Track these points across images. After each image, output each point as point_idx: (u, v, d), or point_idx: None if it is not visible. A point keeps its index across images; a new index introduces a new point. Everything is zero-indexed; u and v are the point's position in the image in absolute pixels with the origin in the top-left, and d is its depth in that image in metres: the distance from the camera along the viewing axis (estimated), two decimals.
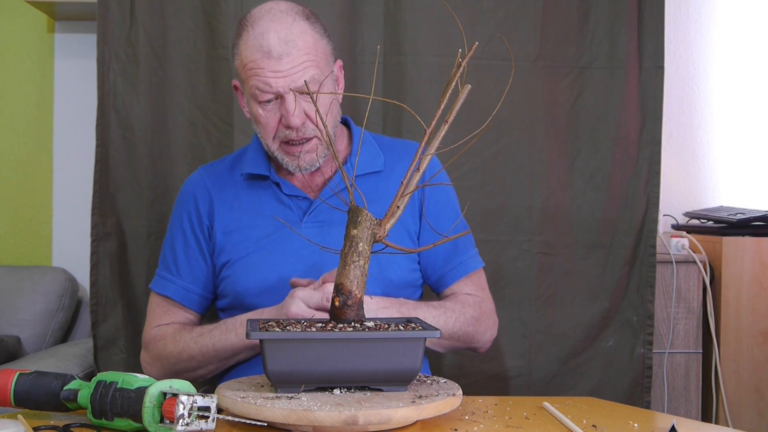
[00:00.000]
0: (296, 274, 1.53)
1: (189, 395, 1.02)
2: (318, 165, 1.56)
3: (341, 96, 1.63)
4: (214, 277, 1.64)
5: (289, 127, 1.50)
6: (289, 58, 1.47)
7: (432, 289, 1.69)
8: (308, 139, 1.52)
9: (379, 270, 1.53)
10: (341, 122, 1.70)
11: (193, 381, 1.56)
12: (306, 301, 1.39)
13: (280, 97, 1.49)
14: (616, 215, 2.42)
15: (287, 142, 1.53)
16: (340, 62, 1.62)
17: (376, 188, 1.56)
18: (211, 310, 1.73)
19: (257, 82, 1.49)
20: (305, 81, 1.38)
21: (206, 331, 1.54)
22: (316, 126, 1.51)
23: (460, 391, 1.18)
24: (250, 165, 1.62)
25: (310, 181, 1.61)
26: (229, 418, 1.08)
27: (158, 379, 1.59)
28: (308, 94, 1.43)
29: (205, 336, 1.53)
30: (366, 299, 1.37)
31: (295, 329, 1.16)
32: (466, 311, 1.58)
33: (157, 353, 1.60)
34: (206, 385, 1.75)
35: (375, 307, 1.42)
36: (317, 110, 1.26)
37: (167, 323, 1.63)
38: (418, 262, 1.63)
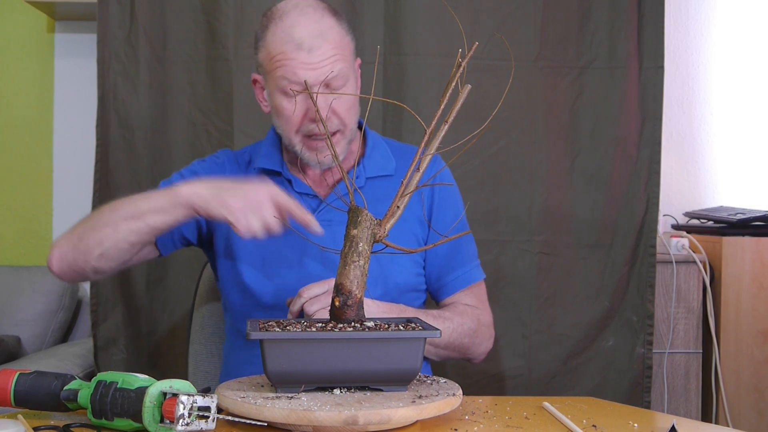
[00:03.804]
0: (305, 267, 1.53)
1: (189, 395, 1.02)
2: (339, 160, 1.55)
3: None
4: (190, 228, 1.60)
5: (314, 121, 1.50)
6: (320, 51, 1.48)
7: (432, 297, 1.69)
8: (332, 134, 1.52)
9: (382, 272, 1.53)
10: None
11: (89, 268, 1.45)
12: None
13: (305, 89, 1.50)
14: (616, 215, 2.42)
15: (310, 136, 1.53)
16: (359, 60, 1.62)
17: (386, 191, 1.55)
18: (215, 298, 1.72)
19: (285, 72, 1.49)
20: (305, 81, 1.38)
21: (118, 203, 1.46)
22: (341, 120, 1.51)
23: (460, 391, 1.18)
24: (264, 160, 1.63)
25: (321, 180, 1.61)
26: (229, 418, 1.08)
27: (62, 259, 1.47)
28: (309, 93, 1.43)
29: (127, 197, 1.46)
30: (367, 302, 1.37)
31: (295, 329, 1.16)
32: (465, 322, 1.58)
33: (74, 227, 1.50)
34: (204, 384, 1.75)
35: (375, 311, 1.42)
36: (318, 113, 1.26)
37: None
38: (423, 268, 1.63)
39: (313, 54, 1.47)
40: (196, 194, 1.36)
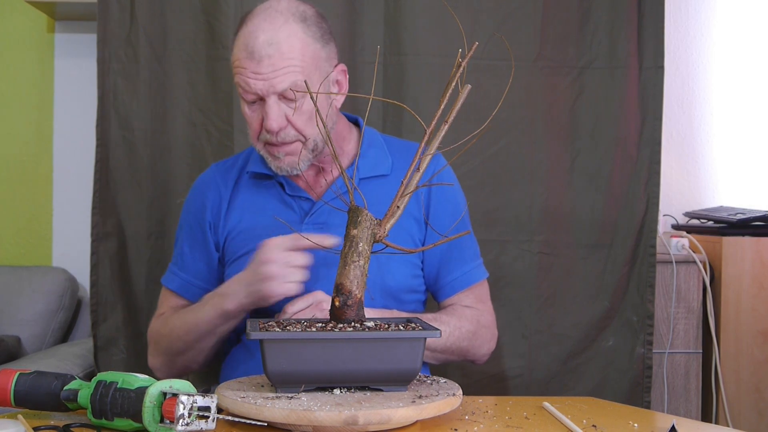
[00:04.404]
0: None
1: (189, 395, 1.02)
2: (301, 170, 1.54)
3: (342, 99, 1.62)
4: (219, 272, 1.64)
5: (268, 130, 1.49)
6: (270, 61, 1.45)
7: (433, 297, 1.68)
8: (288, 144, 1.51)
9: (381, 275, 1.52)
10: (352, 123, 1.69)
11: (190, 369, 1.61)
12: (280, 244, 1.42)
13: (261, 98, 1.49)
14: (616, 215, 2.42)
15: (269, 143, 1.53)
16: (342, 66, 1.58)
17: (382, 191, 1.54)
18: None
19: (239, 80, 1.49)
20: (305, 81, 1.37)
21: (189, 309, 1.57)
22: (298, 131, 1.50)
23: (460, 391, 1.18)
24: (255, 164, 1.62)
25: (314, 181, 1.60)
26: (229, 418, 1.08)
27: (162, 371, 1.60)
28: (308, 93, 1.43)
29: (188, 313, 1.56)
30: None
31: (295, 329, 1.16)
32: (463, 325, 1.56)
33: (154, 339, 1.64)
34: (204, 384, 1.75)
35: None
36: (318, 113, 1.25)
37: (162, 313, 1.67)
38: (422, 269, 1.63)
39: (262, 64, 1.45)
40: (242, 304, 1.46)
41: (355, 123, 1.70)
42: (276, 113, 1.47)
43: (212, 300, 1.51)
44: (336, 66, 1.57)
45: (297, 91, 1.46)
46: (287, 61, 1.45)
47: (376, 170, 1.61)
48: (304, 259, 1.42)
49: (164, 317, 1.63)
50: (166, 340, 1.59)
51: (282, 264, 1.41)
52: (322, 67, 1.52)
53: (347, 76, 1.60)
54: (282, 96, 1.47)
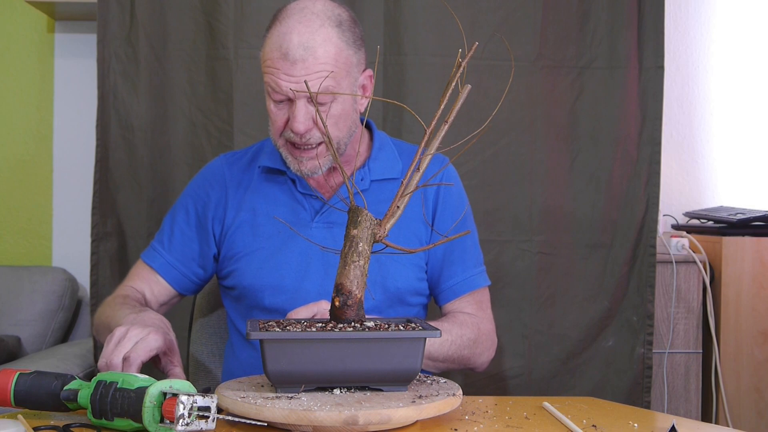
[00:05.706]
0: (303, 272, 1.53)
1: (189, 395, 1.02)
2: (320, 172, 1.54)
3: (366, 103, 1.60)
4: (206, 262, 1.62)
5: (294, 130, 1.49)
6: (304, 65, 1.44)
7: (435, 301, 1.68)
8: (312, 148, 1.51)
9: (382, 275, 1.52)
10: (365, 126, 1.68)
11: None
12: None
13: (290, 99, 1.48)
14: (616, 215, 2.42)
15: (292, 144, 1.52)
16: (369, 72, 1.57)
17: (392, 194, 1.54)
18: (216, 299, 1.74)
19: (269, 79, 1.48)
20: (305, 82, 1.37)
21: (118, 307, 1.50)
22: (323, 135, 1.49)
23: (460, 391, 1.18)
24: (268, 158, 1.61)
25: (326, 181, 1.59)
26: (229, 418, 1.08)
27: (98, 337, 1.54)
28: (309, 93, 1.43)
29: (116, 309, 1.49)
30: None
31: (295, 329, 1.16)
32: (464, 333, 1.55)
33: (98, 311, 1.59)
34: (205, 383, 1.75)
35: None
36: (318, 114, 1.25)
37: (131, 286, 1.61)
38: (426, 271, 1.63)
39: (296, 67, 1.44)
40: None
41: (367, 126, 1.69)
42: (304, 116, 1.46)
43: (125, 318, 1.41)
44: (363, 71, 1.56)
45: (297, 92, 1.46)
46: (321, 66, 1.44)
47: (387, 173, 1.60)
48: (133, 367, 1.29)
49: (113, 296, 1.57)
50: (97, 320, 1.55)
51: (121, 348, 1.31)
52: (352, 72, 1.51)
53: (373, 81, 1.59)
54: (310, 98, 1.46)
